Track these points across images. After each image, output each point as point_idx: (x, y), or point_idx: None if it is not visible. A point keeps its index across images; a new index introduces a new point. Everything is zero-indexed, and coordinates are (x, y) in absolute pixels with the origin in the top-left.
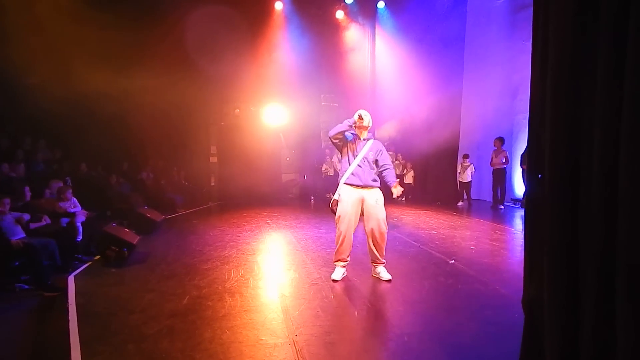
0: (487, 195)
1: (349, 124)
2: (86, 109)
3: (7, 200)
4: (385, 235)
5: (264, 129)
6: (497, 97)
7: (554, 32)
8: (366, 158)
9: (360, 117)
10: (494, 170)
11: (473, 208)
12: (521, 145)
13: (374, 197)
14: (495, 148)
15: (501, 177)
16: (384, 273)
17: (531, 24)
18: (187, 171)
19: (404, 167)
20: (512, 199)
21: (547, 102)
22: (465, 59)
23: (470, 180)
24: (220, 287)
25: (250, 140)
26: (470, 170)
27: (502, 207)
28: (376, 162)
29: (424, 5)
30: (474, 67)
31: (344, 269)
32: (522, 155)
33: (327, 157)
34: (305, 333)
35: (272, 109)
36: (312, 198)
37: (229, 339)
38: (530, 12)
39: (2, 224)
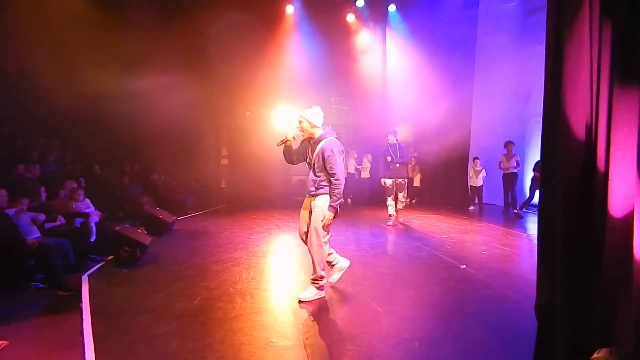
0: (499, 200)
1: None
2: (98, 110)
3: (25, 201)
4: (316, 247)
5: (275, 132)
6: (509, 101)
7: (567, 37)
8: (315, 163)
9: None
10: (504, 174)
11: (484, 212)
12: (534, 149)
13: (314, 203)
14: (506, 152)
15: (513, 182)
16: (303, 293)
17: (544, 27)
18: (198, 173)
19: (413, 169)
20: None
21: (561, 107)
22: (476, 62)
23: (482, 185)
24: (230, 289)
25: (261, 143)
26: (482, 175)
27: (516, 211)
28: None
29: (435, 9)
30: (485, 70)
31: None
32: (536, 163)
33: None
34: (315, 336)
35: (282, 112)
36: None
37: (240, 341)
38: (542, 15)
39: (19, 224)
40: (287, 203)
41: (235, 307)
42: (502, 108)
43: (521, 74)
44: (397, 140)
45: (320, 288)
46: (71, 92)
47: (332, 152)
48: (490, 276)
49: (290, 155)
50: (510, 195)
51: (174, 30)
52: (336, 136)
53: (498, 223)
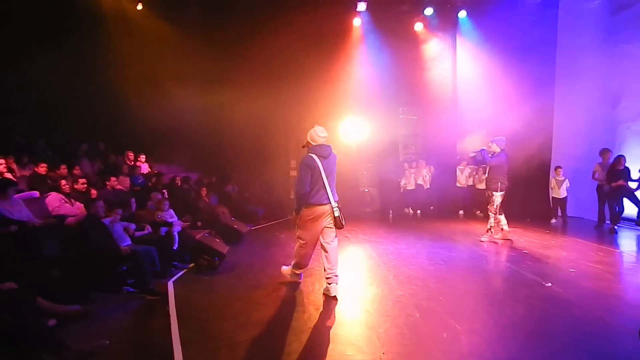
0: (586, 213)
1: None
2: (180, 126)
3: (119, 211)
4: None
5: (342, 143)
6: (595, 105)
7: None
8: None
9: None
10: (599, 185)
11: (569, 226)
12: (627, 157)
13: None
14: (601, 160)
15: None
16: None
17: (632, 25)
18: (268, 184)
19: (480, 179)
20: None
21: None
22: (557, 66)
23: (566, 196)
24: (305, 300)
25: None
26: (565, 185)
27: (618, 225)
28: None
29: (509, 12)
30: (568, 74)
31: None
32: (611, 171)
33: (406, 171)
34: (391, 352)
35: (350, 124)
36: (391, 212)
37: (317, 353)
38: (630, 12)
39: (113, 232)
40: (355, 214)
41: (310, 318)
42: (588, 113)
43: (608, 77)
44: (502, 149)
45: (296, 271)
46: (158, 109)
47: (298, 165)
48: (580, 296)
49: None
50: (609, 208)
51: (247, 47)
52: (319, 152)
53: (586, 238)
